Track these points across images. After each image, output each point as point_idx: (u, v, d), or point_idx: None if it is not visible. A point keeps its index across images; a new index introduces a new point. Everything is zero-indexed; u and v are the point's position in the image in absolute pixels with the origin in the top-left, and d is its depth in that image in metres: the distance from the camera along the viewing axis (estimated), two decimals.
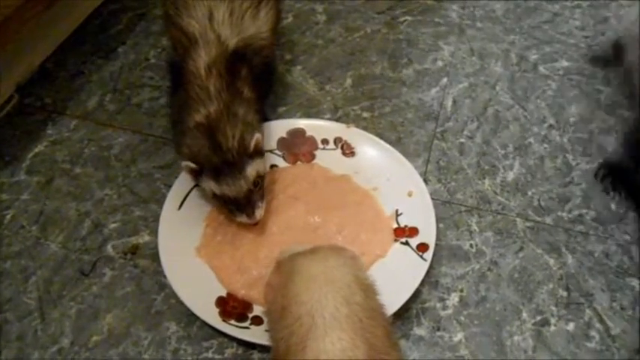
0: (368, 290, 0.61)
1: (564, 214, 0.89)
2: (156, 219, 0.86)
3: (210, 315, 0.74)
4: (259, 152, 0.80)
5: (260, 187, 0.80)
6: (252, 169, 0.79)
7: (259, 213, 0.80)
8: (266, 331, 0.73)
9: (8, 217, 0.89)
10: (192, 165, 0.78)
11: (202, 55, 0.82)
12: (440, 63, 1.11)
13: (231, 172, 0.77)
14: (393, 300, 0.75)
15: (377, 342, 0.55)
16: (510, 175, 0.94)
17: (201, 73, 0.81)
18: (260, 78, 0.89)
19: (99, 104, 1.05)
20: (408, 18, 1.20)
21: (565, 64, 1.10)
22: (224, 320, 0.74)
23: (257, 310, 0.76)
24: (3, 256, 0.84)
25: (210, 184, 0.78)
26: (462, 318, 0.78)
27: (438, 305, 0.79)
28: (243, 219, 0.80)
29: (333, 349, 0.53)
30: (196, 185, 0.84)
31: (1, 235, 0.87)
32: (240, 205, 0.79)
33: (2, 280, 0.82)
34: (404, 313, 0.77)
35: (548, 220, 0.88)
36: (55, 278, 0.82)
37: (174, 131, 0.88)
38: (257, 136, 0.79)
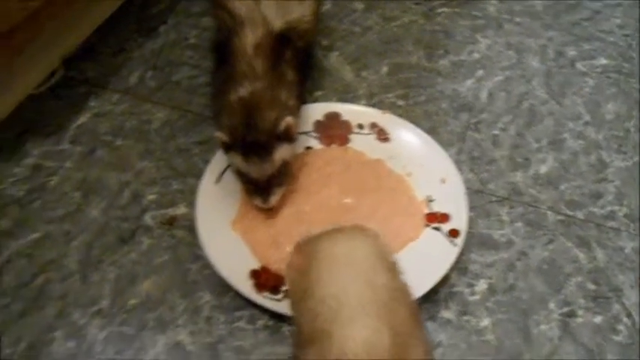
0: (392, 270, 0.61)
1: (596, 210, 0.89)
2: (192, 192, 0.89)
3: (244, 286, 0.77)
4: (289, 137, 0.82)
5: (283, 174, 0.82)
6: (279, 155, 0.80)
7: (274, 199, 0.81)
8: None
9: (52, 183, 0.92)
10: (225, 137, 0.80)
11: (249, 35, 0.84)
12: (476, 55, 1.12)
13: (259, 154, 0.79)
14: (422, 283, 0.77)
15: (401, 323, 0.55)
16: (543, 169, 0.94)
17: (248, 51, 0.83)
18: (302, 62, 0.91)
19: (140, 80, 1.08)
20: (446, 10, 1.20)
21: (603, 61, 1.10)
22: (257, 292, 0.76)
23: None
24: (47, 219, 0.88)
25: (237, 160, 0.80)
26: (490, 304, 0.79)
27: (466, 291, 0.81)
28: (257, 202, 0.82)
29: (359, 336, 0.53)
30: None
31: (45, 200, 0.90)
32: (258, 187, 0.81)
33: (45, 243, 0.85)
34: (432, 296, 0.79)
35: (580, 214, 0.89)
36: (95, 243, 0.85)
37: (213, 104, 0.90)
38: (288, 119, 0.80)
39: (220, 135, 0.80)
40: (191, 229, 0.86)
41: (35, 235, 0.86)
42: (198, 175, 0.91)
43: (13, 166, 0.94)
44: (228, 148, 0.81)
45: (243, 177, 0.82)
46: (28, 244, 0.85)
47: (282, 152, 0.81)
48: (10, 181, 0.92)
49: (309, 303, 0.57)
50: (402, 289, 0.60)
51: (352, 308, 0.54)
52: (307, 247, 0.63)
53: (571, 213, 0.89)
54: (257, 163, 0.79)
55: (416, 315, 0.59)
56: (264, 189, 0.81)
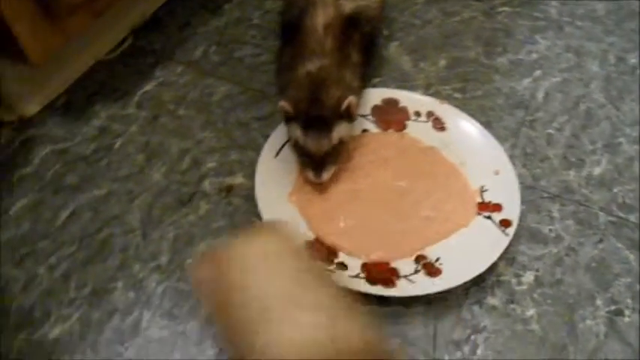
0: (304, 259, 0.58)
1: None
2: (250, 164, 0.92)
3: None
4: (350, 116, 0.84)
5: (338, 152, 0.84)
6: (338, 132, 0.82)
7: (326, 176, 0.83)
8: (350, 277, 0.78)
9: (118, 144, 0.97)
10: (288, 108, 0.82)
11: (320, 14, 0.87)
12: (535, 55, 1.12)
13: (319, 129, 0.81)
14: (470, 268, 0.78)
15: (332, 313, 0.52)
16: (597, 170, 0.95)
17: (319, 29, 0.85)
18: (366, 46, 0.94)
19: (204, 54, 1.12)
20: (507, 9, 1.21)
21: None
22: None
23: (342, 257, 0.80)
24: (112, 177, 0.92)
25: (297, 132, 0.83)
26: (536, 296, 0.80)
27: (514, 280, 0.82)
28: (310, 175, 0.84)
29: (291, 332, 0.50)
30: None
31: (110, 160, 0.94)
32: (313, 161, 0.83)
33: (110, 199, 0.89)
34: (480, 282, 0.80)
35: (632, 218, 0.89)
36: (156, 204, 0.89)
37: (279, 78, 0.93)
38: (351, 98, 0.82)
39: (284, 105, 0.82)
40: (248, 198, 0.89)
41: (100, 192, 0.90)
42: (256, 148, 0.94)
43: (82, 125, 0.99)
44: (290, 119, 0.84)
45: (299, 150, 0.85)
46: (94, 198, 0.89)
47: (341, 130, 0.83)
48: (79, 140, 0.97)
49: (233, 311, 0.53)
50: (321, 277, 0.57)
51: (279, 304, 0.51)
52: (218, 257, 0.58)
53: (623, 215, 0.89)
54: (316, 138, 0.82)
55: (341, 298, 0.55)
56: (318, 164, 0.83)
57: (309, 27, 0.86)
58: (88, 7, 0.89)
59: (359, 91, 0.88)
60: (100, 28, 1.05)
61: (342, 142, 0.84)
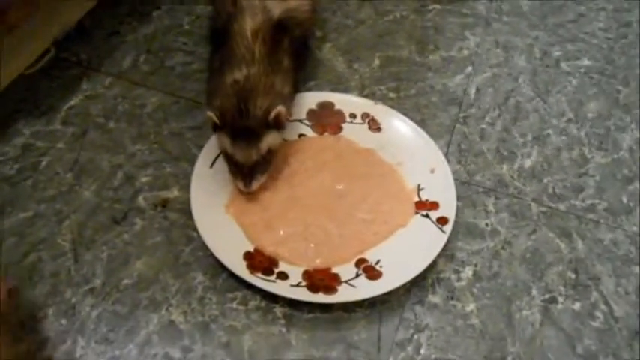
0: None
1: (577, 203, 0.93)
2: (186, 176, 0.90)
3: (238, 267, 0.78)
4: (279, 125, 0.83)
5: (267, 162, 0.83)
6: (266, 142, 0.81)
7: (255, 185, 0.82)
8: (291, 286, 0.78)
9: (44, 163, 0.92)
10: (215, 118, 0.81)
11: (248, 21, 0.85)
12: (465, 52, 1.15)
13: (247, 139, 0.80)
14: (411, 268, 0.79)
15: None
16: (528, 163, 0.98)
17: (248, 35, 0.84)
18: (298, 51, 0.93)
19: (133, 64, 1.08)
20: (437, 7, 1.23)
21: (586, 62, 1.14)
22: (251, 272, 0.77)
23: (282, 266, 0.79)
24: (38, 198, 0.88)
25: (225, 142, 0.82)
26: (475, 290, 0.82)
27: (453, 277, 0.83)
28: (239, 185, 0.83)
29: None
30: None
31: (36, 180, 0.90)
32: (242, 171, 0.82)
33: (37, 221, 0.85)
34: (420, 281, 0.81)
35: (562, 206, 0.92)
36: (88, 223, 0.86)
37: (208, 85, 0.91)
38: (279, 108, 0.81)
39: (211, 115, 0.81)
40: (184, 211, 0.86)
41: (26, 214, 0.86)
42: (191, 159, 0.91)
43: (4, 145, 0.94)
44: (217, 129, 0.82)
45: (228, 159, 0.83)
46: (19, 222, 0.85)
47: (269, 140, 0.82)
48: (0, 160, 0.92)
49: None
50: None
51: None
52: None
53: (553, 205, 0.92)
54: (244, 149, 0.80)
55: None
56: (247, 174, 0.82)
57: (237, 33, 0.85)
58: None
59: (290, 98, 0.88)
60: (18, 41, 0.99)
61: (271, 152, 0.83)
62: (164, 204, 0.89)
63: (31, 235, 0.84)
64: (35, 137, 0.95)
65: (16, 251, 0.82)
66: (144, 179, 0.91)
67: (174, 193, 0.90)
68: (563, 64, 1.13)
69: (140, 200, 0.89)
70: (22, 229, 0.84)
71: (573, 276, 0.84)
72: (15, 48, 1.00)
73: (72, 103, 1.01)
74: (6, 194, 0.88)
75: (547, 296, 0.82)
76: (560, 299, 0.82)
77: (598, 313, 0.81)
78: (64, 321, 0.76)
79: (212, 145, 0.90)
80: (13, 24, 0.88)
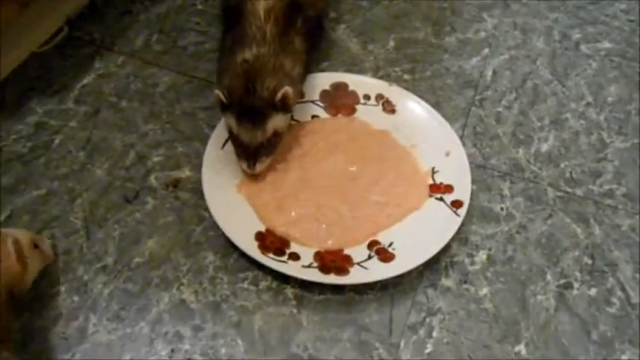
0: None
1: (595, 188, 0.91)
2: (198, 156, 0.89)
3: (250, 247, 0.77)
4: (285, 107, 0.81)
5: (273, 144, 0.82)
6: (272, 124, 0.80)
7: (259, 167, 0.81)
8: (303, 267, 0.77)
9: (57, 141, 0.92)
10: (223, 97, 0.80)
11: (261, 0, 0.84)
12: (482, 34, 1.12)
13: (253, 120, 0.79)
14: (424, 251, 0.78)
15: None
16: (544, 147, 0.96)
17: (261, 14, 0.83)
18: (311, 31, 0.91)
19: (145, 44, 1.07)
20: None
21: (607, 45, 1.11)
22: (263, 253, 0.77)
23: (294, 247, 0.79)
24: (51, 176, 0.88)
25: (231, 121, 0.81)
26: (489, 274, 0.81)
27: (467, 260, 0.82)
28: (243, 165, 0.82)
29: None
30: None
31: (49, 158, 0.90)
32: (247, 152, 0.81)
33: (50, 199, 0.85)
34: (433, 265, 0.80)
35: (579, 191, 0.90)
36: (100, 202, 0.85)
37: (219, 63, 0.90)
38: (286, 89, 0.79)
39: (219, 93, 0.80)
40: (196, 191, 0.86)
41: (39, 192, 0.86)
42: (203, 139, 0.91)
43: (17, 123, 0.94)
44: (224, 108, 0.81)
45: (234, 139, 0.82)
46: (32, 200, 0.85)
47: (275, 122, 0.81)
48: (14, 138, 0.92)
49: None
50: None
51: None
52: None
53: (570, 190, 0.90)
54: (249, 129, 0.79)
55: None
56: (251, 155, 0.81)
57: (250, 12, 0.84)
58: None
59: (300, 80, 0.86)
60: (32, 18, 0.99)
61: (277, 134, 0.82)
62: (176, 183, 0.88)
63: (44, 212, 0.84)
64: (48, 115, 0.95)
65: (29, 229, 0.81)
66: (156, 159, 0.91)
67: (185, 172, 0.89)
68: (583, 47, 1.10)
69: (152, 179, 0.88)
70: (35, 206, 0.84)
71: (590, 262, 0.83)
72: (28, 26, 1.00)
73: (85, 81, 1.00)
74: (19, 172, 0.88)
75: (562, 282, 0.81)
76: (576, 285, 0.81)
77: (614, 300, 0.79)
78: (76, 298, 0.76)
79: (224, 126, 0.89)
80: (26, 1, 0.87)
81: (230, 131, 0.82)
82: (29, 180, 0.87)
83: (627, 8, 1.17)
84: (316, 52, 1.00)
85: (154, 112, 0.97)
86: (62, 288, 0.77)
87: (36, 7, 0.94)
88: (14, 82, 0.99)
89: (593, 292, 0.80)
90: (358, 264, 0.78)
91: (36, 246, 0.73)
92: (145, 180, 0.88)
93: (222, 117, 0.84)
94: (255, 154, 0.80)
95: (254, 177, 0.84)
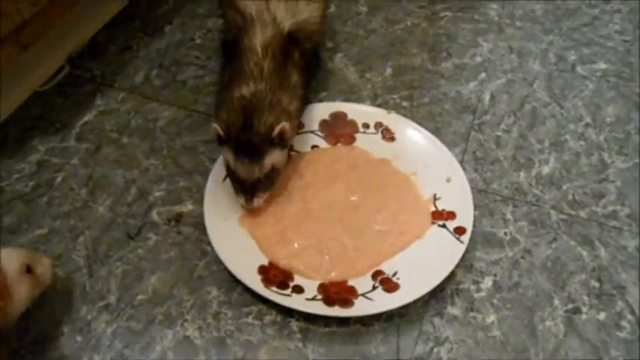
0: None
1: (598, 209, 0.90)
2: (199, 190, 0.89)
3: (253, 281, 0.77)
4: (282, 142, 0.81)
5: (270, 179, 0.82)
6: (269, 160, 0.80)
7: (257, 202, 0.81)
8: (307, 300, 0.76)
9: (59, 179, 0.92)
10: (220, 131, 0.80)
11: (258, 34, 0.85)
12: (478, 59, 1.13)
13: (250, 155, 0.79)
14: (428, 279, 0.78)
15: None
16: (546, 169, 0.96)
17: (258, 50, 0.84)
18: (308, 63, 0.92)
19: (145, 79, 1.08)
20: (448, 14, 1.22)
21: (603, 66, 1.12)
22: (266, 287, 0.76)
23: (298, 279, 0.78)
24: (53, 215, 0.88)
25: (229, 156, 0.81)
26: (495, 301, 0.80)
27: (472, 287, 0.81)
28: (241, 201, 0.82)
29: None
30: None
31: (51, 196, 0.90)
32: (244, 187, 0.81)
33: (52, 238, 0.85)
34: (439, 293, 0.80)
35: (583, 213, 0.90)
36: (102, 239, 0.85)
37: (217, 97, 0.91)
38: (283, 124, 0.80)
39: (217, 127, 0.80)
40: (198, 226, 0.86)
41: (41, 231, 0.86)
42: (204, 172, 0.91)
43: (19, 162, 0.94)
44: (222, 142, 0.81)
45: (231, 174, 0.83)
46: (35, 239, 0.85)
47: (273, 157, 0.81)
48: (16, 177, 0.92)
49: None
50: None
51: None
52: None
53: (574, 212, 0.90)
54: (247, 165, 0.80)
55: None
56: (248, 190, 0.81)
57: (247, 48, 0.85)
58: (13, 40, 0.85)
59: (297, 115, 0.87)
60: (33, 58, 1.01)
61: (274, 170, 0.82)
62: (178, 218, 0.88)
63: (46, 251, 0.83)
64: (50, 154, 0.96)
65: (51, 277, 0.81)
66: (157, 194, 0.91)
67: (187, 207, 0.89)
68: (579, 68, 1.11)
69: (154, 215, 0.88)
70: (37, 245, 0.84)
71: (597, 285, 0.82)
72: (29, 66, 1.02)
73: (86, 119, 1.01)
74: (21, 211, 0.88)
75: (570, 306, 0.80)
76: (585, 309, 0.80)
77: (624, 323, 0.78)
78: (79, 338, 0.75)
79: (223, 160, 0.89)
80: (28, 42, 0.89)
81: (227, 166, 0.82)
82: (31, 219, 0.87)
83: (621, 29, 1.18)
84: (313, 82, 1.01)
85: (155, 147, 0.97)
86: (65, 329, 0.76)
87: (37, 48, 0.95)
88: (16, 121, 1.00)
89: (602, 316, 0.79)
90: (363, 295, 0.77)
91: (29, 270, 0.68)
92: (147, 215, 0.88)
93: (221, 151, 0.85)
94: (253, 190, 0.80)
95: (254, 211, 0.84)
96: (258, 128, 0.79)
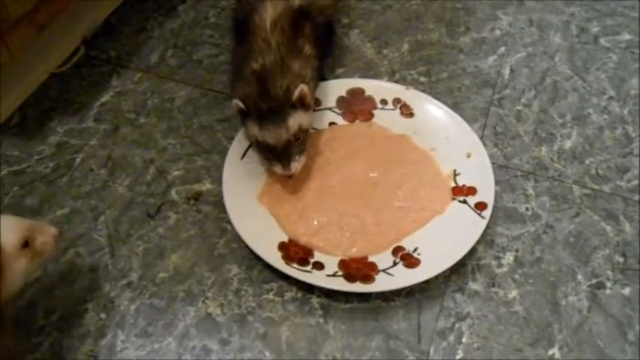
0: None
1: (622, 184, 0.88)
2: (217, 168, 0.89)
3: (274, 258, 0.77)
4: (304, 104, 0.81)
5: (301, 142, 0.81)
6: (294, 121, 0.80)
7: (295, 166, 0.80)
8: (327, 276, 0.76)
9: (78, 160, 0.93)
10: (241, 104, 0.80)
11: (269, 9, 0.84)
12: (498, 32, 1.11)
13: (274, 120, 0.79)
14: (449, 255, 0.77)
15: None
16: (568, 144, 0.94)
17: (266, 27, 0.83)
18: (322, 37, 0.91)
19: (161, 59, 1.08)
20: None
21: (627, 37, 1.08)
22: (287, 263, 0.76)
23: (318, 256, 0.78)
24: (74, 195, 0.88)
25: (254, 129, 0.80)
26: (517, 276, 0.79)
27: (494, 263, 0.81)
28: (278, 169, 0.81)
29: None
30: None
31: (71, 177, 0.91)
32: (277, 154, 0.80)
33: (74, 218, 0.86)
34: (460, 269, 0.79)
35: (606, 188, 0.88)
36: (123, 218, 0.86)
37: (232, 77, 0.90)
38: (302, 87, 0.79)
39: (237, 102, 0.80)
40: (217, 204, 0.86)
41: (63, 211, 0.87)
42: (222, 151, 0.91)
43: (39, 143, 0.95)
44: (244, 117, 0.81)
45: (261, 147, 0.82)
46: (56, 219, 0.86)
47: (297, 118, 0.80)
48: (36, 159, 0.93)
49: None
50: None
51: None
52: None
53: (597, 187, 0.88)
54: (272, 130, 0.79)
55: None
56: (283, 155, 0.80)
57: (257, 25, 0.84)
58: (30, 20, 0.85)
59: (312, 80, 0.86)
60: (49, 40, 1.01)
61: (303, 131, 0.81)
62: (197, 197, 0.88)
63: (68, 231, 0.84)
64: (69, 135, 0.96)
65: (54, 248, 0.82)
66: (176, 173, 0.91)
67: (206, 185, 0.89)
68: (602, 40, 1.08)
69: (173, 194, 0.89)
70: (59, 226, 0.85)
71: (621, 260, 0.81)
72: (47, 47, 1.02)
73: (103, 100, 1.01)
74: (42, 192, 0.89)
75: (594, 281, 0.79)
76: (609, 284, 0.78)
77: None
78: (103, 315, 0.76)
79: (243, 137, 0.89)
80: (43, 24, 0.89)
81: (255, 140, 0.81)
82: (53, 200, 0.88)
83: None
84: (329, 57, 0.99)
85: (172, 127, 0.97)
86: (89, 306, 0.77)
87: (52, 30, 0.95)
88: (34, 103, 1.00)
89: (626, 291, 0.78)
90: (383, 271, 0.77)
91: (27, 244, 0.63)
92: (166, 194, 0.89)
93: (244, 127, 0.84)
94: (287, 154, 0.79)
95: (277, 185, 0.83)
96: (275, 93, 0.79)
